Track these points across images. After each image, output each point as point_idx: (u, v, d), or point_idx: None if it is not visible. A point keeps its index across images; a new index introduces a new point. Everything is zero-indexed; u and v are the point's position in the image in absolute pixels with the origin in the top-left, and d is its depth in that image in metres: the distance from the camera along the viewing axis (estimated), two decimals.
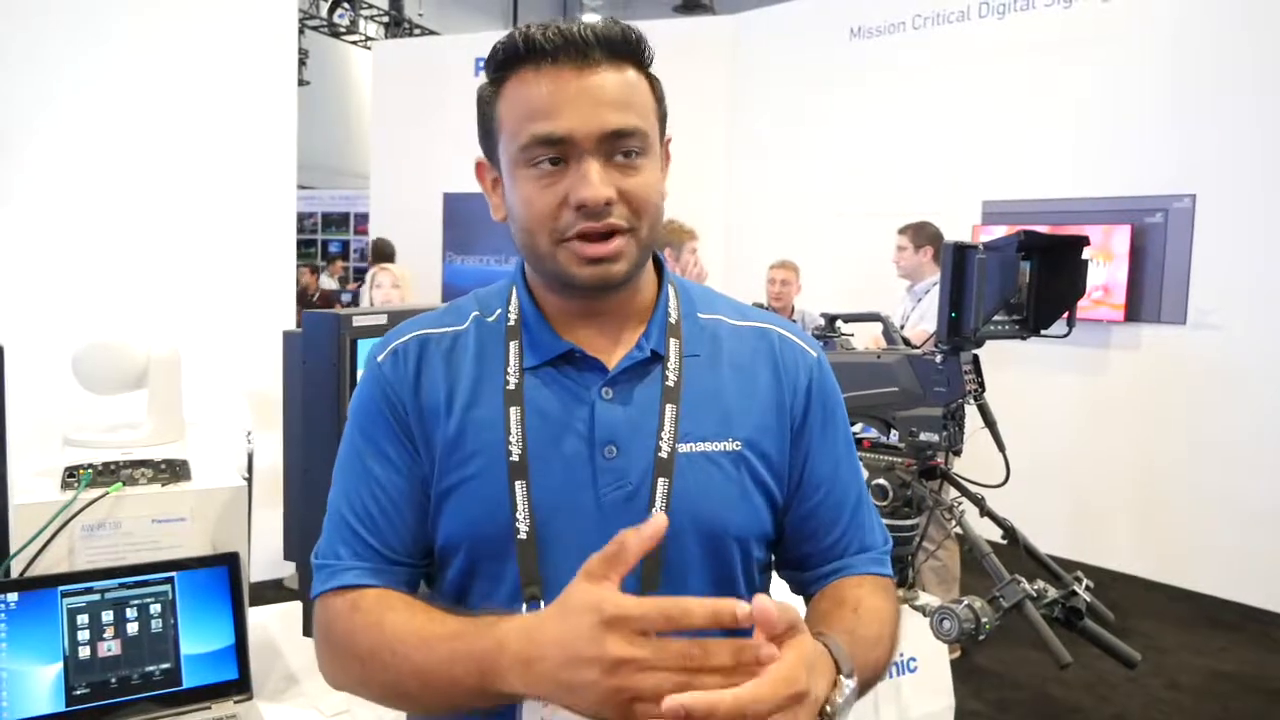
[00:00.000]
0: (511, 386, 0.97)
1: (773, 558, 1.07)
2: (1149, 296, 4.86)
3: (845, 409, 1.08)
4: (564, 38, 0.90)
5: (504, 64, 0.93)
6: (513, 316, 1.01)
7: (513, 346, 0.99)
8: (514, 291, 1.03)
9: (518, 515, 0.93)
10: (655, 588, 0.92)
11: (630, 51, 0.93)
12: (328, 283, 11.52)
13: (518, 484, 0.93)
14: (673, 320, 1.01)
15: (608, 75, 0.91)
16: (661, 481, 0.93)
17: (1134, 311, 4.90)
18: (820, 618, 0.97)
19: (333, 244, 12.36)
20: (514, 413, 0.95)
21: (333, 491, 1.03)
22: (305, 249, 11.34)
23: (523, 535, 0.93)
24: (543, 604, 0.91)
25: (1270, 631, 4.22)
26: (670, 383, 0.97)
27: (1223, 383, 4.60)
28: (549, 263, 0.94)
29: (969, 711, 3.28)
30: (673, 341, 1.00)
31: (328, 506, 1.03)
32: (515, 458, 0.94)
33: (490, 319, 1.02)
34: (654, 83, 0.97)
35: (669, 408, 0.96)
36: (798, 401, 1.02)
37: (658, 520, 0.77)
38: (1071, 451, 5.01)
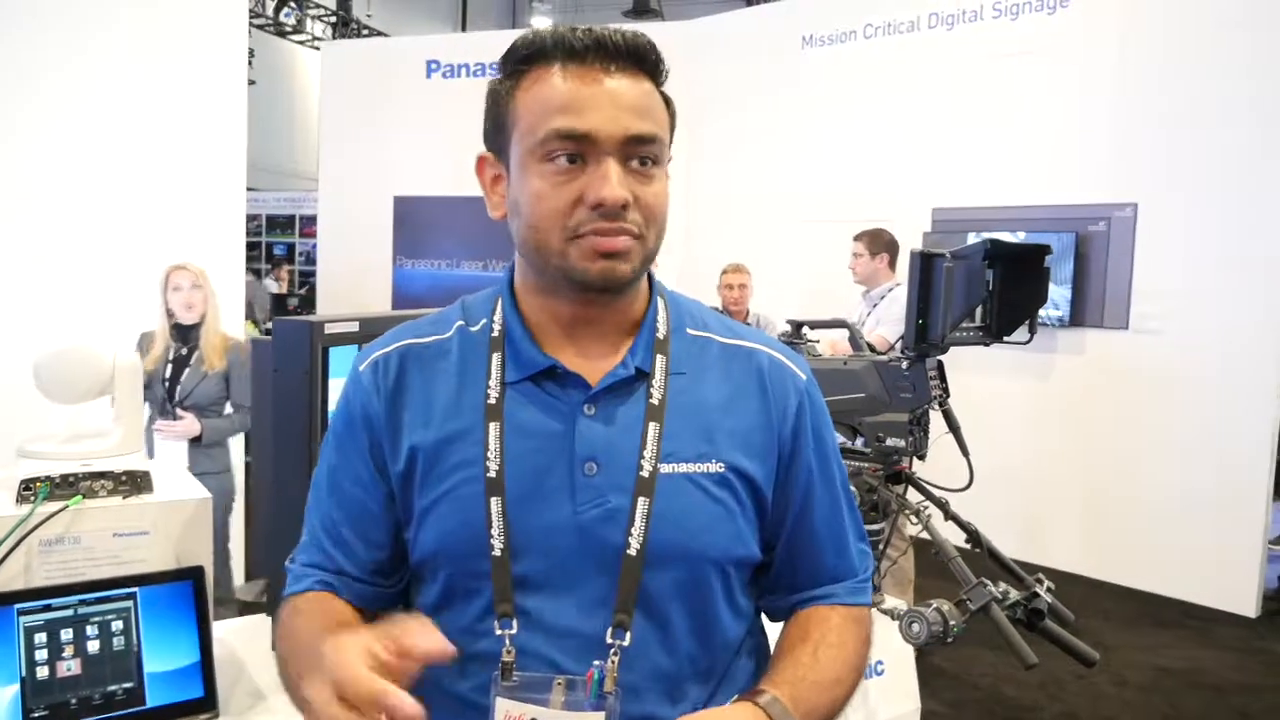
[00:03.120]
0: (492, 401, 0.95)
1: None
2: (1092, 302, 4.99)
3: (833, 429, 1.07)
4: (595, 39, 0.90)
5: (527, 59, 0.92)
6: (497, 327, 0.99)
7: (495, 359, 0.97)
8: (499, 301, 1.01)
9: (493, 532, 0.92)
10: (630, 607, 0.91)
11: (652, 64, 0.94)
12: (272, 287, 11.31)
13: (494, 500, 0.92)
14: (660, 335, 0.99)
15: (630, 82, 0.91)
16: (641, 501, 0.92)
17: (1078, 316, 5.02)
18: (781, 654, 0.98)
19: (278, 247, 12.14)
20: (493, 428, 0.94)
21: (309, 500, 1.03)
22: (250, 252, 11.11)
23: (497, 552, 0.92)
24: (515, 622, 0.91)
25: (1209, 628, 4.35)
26: (655, 400, 0.96)
27: (1163, 386, 4.74)
28: (557, 259, 0.92)
29: (925, 712, 3.31)
30: (659, 358, 0.98)
31: (305, 514, 1.03)
32: (492, 474, 0.93)
33: (474, 329, 1.00)
34: (668, 100, 0.97)
35: (652, 426, 0.94)
36: (786, 425, 1.00)
37: (445, 650, 0.76)
38: (1018, 453, 5.11)
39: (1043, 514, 5.15)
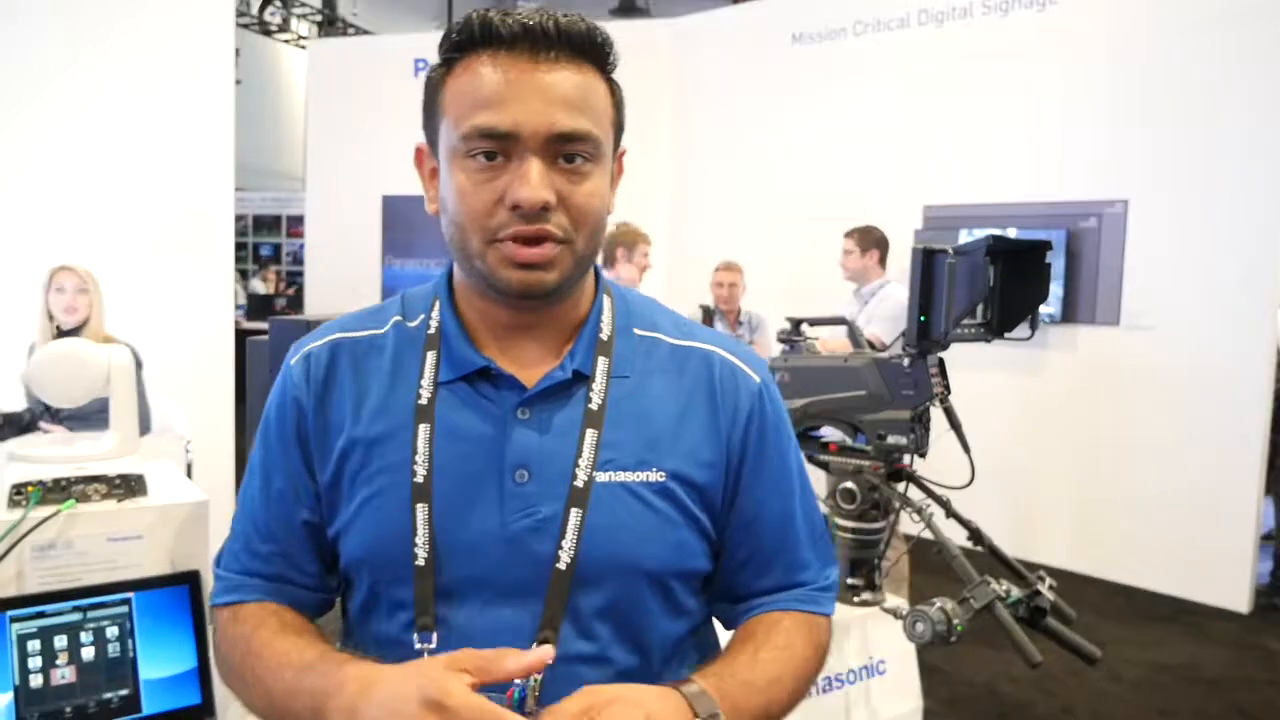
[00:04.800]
0: (423, 401, 0.91)
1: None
2: (1084, 298, 5.00)
3: (792, 435, 1.02)
4: (523, 27, 0.84)
5: (457, 46, 0.87)
6: (433, 324, 0.95)
7: (429, 357, 0.93)
8: (438, 298, 0.97)
9: (417, 540, 0.87)
10: (557, 624, 0.87)
11: (593, 51, 0.88)
12: (259, 287, 11.24)
13: (419, 507, 0.88)
14: (604, 337, 0.94)
15: (565, 73, 0.85)
16: (574, 513, 0.87)
17: (1070, 313, 5.03)
18: (721, 655, 0.93)
19: (264, 247, 12.06)
20: (423, 430, 0.90)
21: (239, 497, 1.00)
22: (236, 252, 11.05)
23: (420, 562, 0.87)
24: (435, 635, 0.87)
25: (1202, 623, 4.36)
26: (594, 405, 0.91)
27: (1154, 382, 4.75)
28: (478, 262, 0.87)
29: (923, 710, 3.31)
30: (601, 360, 0.93)
31: (235, 513, 1.00)
32: (420, 479, 0.88)
33: (412, 324, 0.96)
34: (614, 89, 0.91)
35: (589, 433, 0.89)
36: (736, 430, 0.95)
37: (543, 653, 0.75)
38: (1010, 450, 5.12)
39: (1034, 511, 5.16)
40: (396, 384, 0.93)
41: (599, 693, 0.75)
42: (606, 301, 0.97)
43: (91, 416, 2.98)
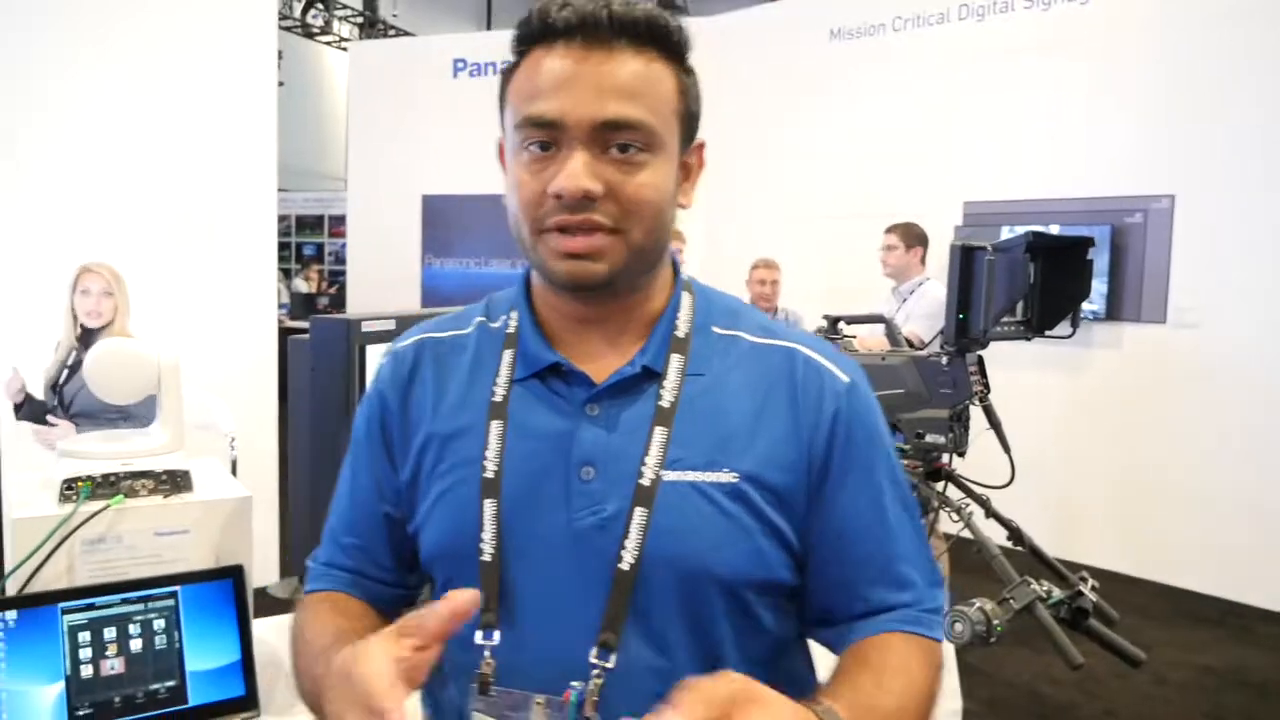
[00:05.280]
0: (498, 399, 0.91)
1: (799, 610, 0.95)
2: (1129, 296, 4.91)
3: (887, 440, 0.94)
4: (578, 16, 0.83)
5: (523, 39, 0.87)
6: (512, 324, 0.95)
7: (506, 355, 0.93)
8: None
9: (483, 535, 0.87)
10: (619, 626, 0.84)
11: (654, 37, 0.85)
12: (302, 287, 11.41)
13: (488, 502, 0.88)
14: (680, 334, 0.92)
15: (621, 60, 0.83)
16: (639, 511, 0.84)
17: (1114, 310, 4.95)
18: (839, 677, 0.86)
19: (307, 247, 12.23)
20: (495, 426, 0.90)
21: (335, 494, 1.03)
22: (279, 252, 11.21)
23: (486, 557, 0.87)
24: (497, 633, 0.87)
25: (1250, 626, 4.27)
26: (664, 403, 0.88)
27: (1201, 380, 4.65)
28: (531, 254, 0.88)
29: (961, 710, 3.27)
30: (675, 357, 0.90)
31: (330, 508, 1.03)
32: (489, 474, 0.88)
33: (494, 324, 0.97)
34: (682, 77, 0.89)
35: (659, 430, 0.87)
36: (819, 434, 0.89)
37: (466, 597, 0.71)
38: (1052, 449, 5.05)
39: (1077, 510, 5.08)
40: (475, 382, 0.93)
41: (747, 687, 0.67)
42: (686, 298, 0.94)
43: (100, 415, 3.16)
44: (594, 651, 0.84)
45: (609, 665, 0.83)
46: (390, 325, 1.38)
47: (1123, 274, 4.91)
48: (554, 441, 0.88)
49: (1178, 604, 4.53)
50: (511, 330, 0.94)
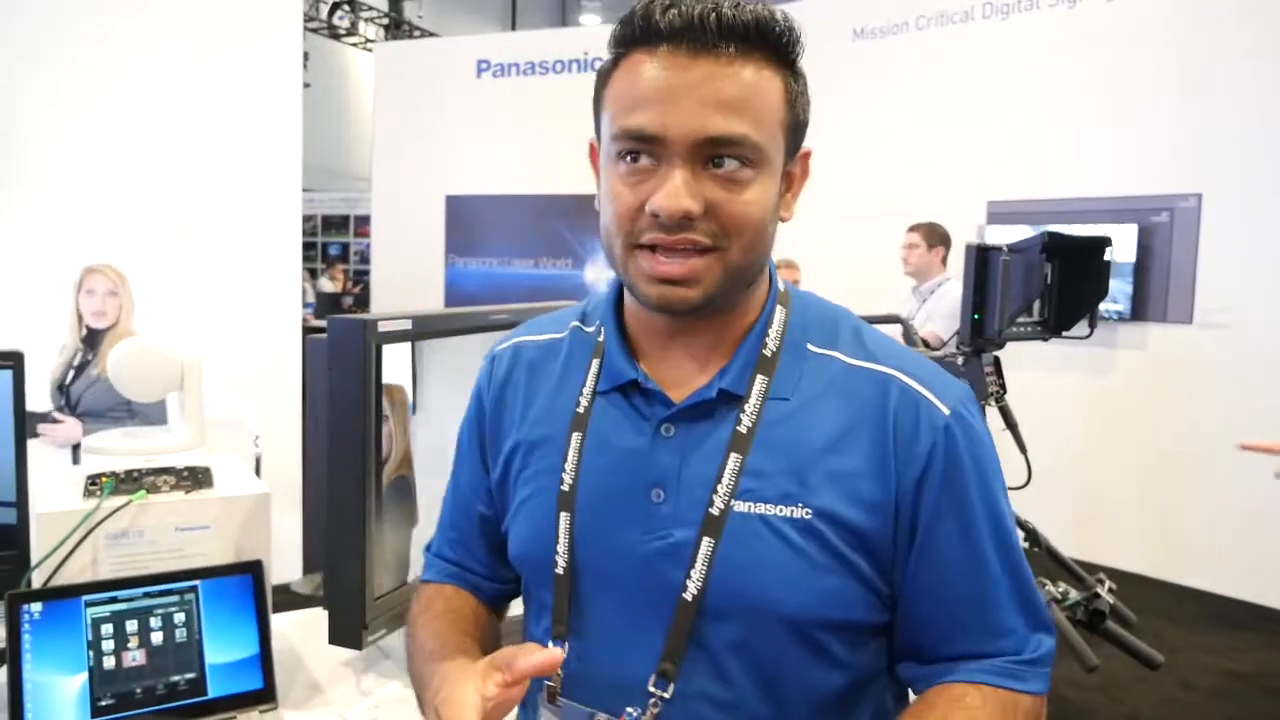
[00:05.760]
0: (581, 410, 0.90)
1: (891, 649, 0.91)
2: (1155, 295, 4.86)
3: (995, 480, 0.87)
4: (682, 19, 0.77)
5: (622, 40, 0.82)
6: (603, 332, 0.92)
7: (594, 365, 0.91)
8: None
9: (558, 548, 0.88)
10: (679, 656, 0.83)
11: (764, 41, 0.79)
12: (327, 286, 11.51)
13: (563, 515, 0.88)
14: (768, 353, 0.86)
15: (726, 70, 0.78)
16: (706, 541, 0.82)
17: (1140, 310, 4.90)
18: None
19: (332, 247, 12.34)
20: (575, 438, 0.89)
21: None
22: (305, 252, 11.32)
23: (559, 570, 0.88)
24: (567, 644, 0.88)
25: None
26: (743, 428, 0.83)
27: (1229, 381, 4.59)
28: (621, 270, 0.84)
29: None
30: (760, 379, 0.85)
31: None
32: (566, 487, 0.88)
33: (589, 330, 0.95)
34: (790, 83, 0.83)
35: (733, 457, 0.83)
36: (911, 470, 0.82)
37: (552, 654, 0.74)
38: (1078, 450, 5.01)
39: (1104, 513, 5.03)
40: (562, 390, 0.93)
41: None
42: (779, 313, 0.89)
43: (106, 414, 3.23)
44: (652, 679, 0.83)
45: (666, 695, 0.83)
46: (407, 325, 1.39)
47: (1149, 273, 4.87)
48: (628, 459, 0.86)
49: (1207, 608, 4.48)
50: (602, 338, 0.92)
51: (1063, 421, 5.03)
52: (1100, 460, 5.02)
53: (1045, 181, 5.21)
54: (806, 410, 0.85)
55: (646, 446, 0.86)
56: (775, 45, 0.81)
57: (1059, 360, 4.97)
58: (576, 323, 0.97)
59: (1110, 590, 1.78)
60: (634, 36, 0.81)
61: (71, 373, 3.32)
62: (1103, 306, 4.83)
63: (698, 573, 0.82)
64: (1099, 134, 5.00)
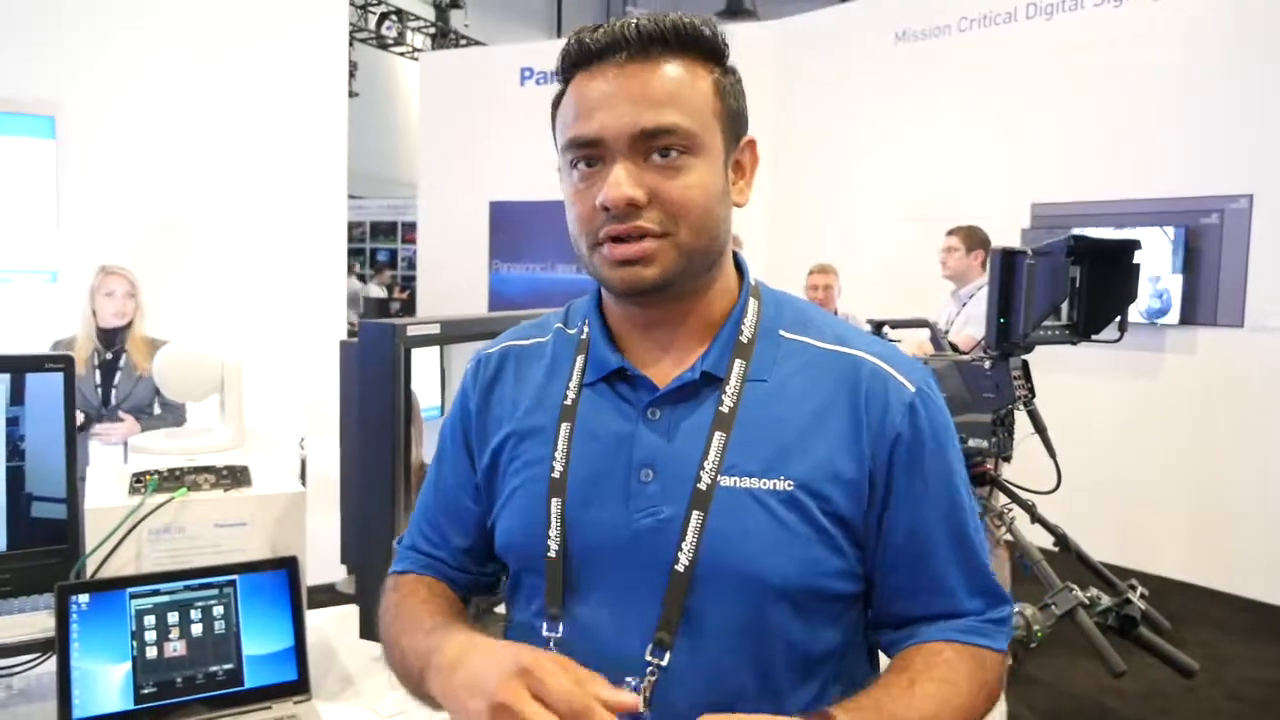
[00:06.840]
0: (568, 402, 0.96)
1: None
2: (1204, 299, 4.76)
3: (953, 451, 0.94)
4: (609, 35, 0.87)
5: (563, 68, 0.91)
6: (586, 330, 0.99)
7: (579, 361, 0.97)
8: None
9: (550, 533, 0.92)
10: (673, 627, 0.87)
11: (685, 43, 0.88)
12: (374, 291, 11.70)
13: (554, 501, 0.93)
14: (744, 338, 0.93)
15: (653, 70, 0.86)
16: (695, 515, 0.87)
17: (1189, 314, 4.80)
18: (877, 683, 0.88)
19: (380, 252, 12.55)
20: (564, 428, 0.94)
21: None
22: (353, 257, 11.52)
23: (551, 554, 0.92)
24: (561, 626, 0.92)
25: None
26: (724, 408, 0.90)
27: None
28: (589, 267, 0.92)
29: None
30: (738, 363, 0.92)
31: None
32: (556, 474, 0.93)
33: (571, 331, 1.02)
34: (720, 77, 0.90)
35: (717, 435, 0.89)
36: (881, 445, 0.89)
37: (628, 699, 0.75)
38: (1125, 456, 4.92)
39: (1149, 519, 4.94)
40: (549, 386, 0.98)
41: None
42: (752, 304, 0.96)
43: (142, 411, 3.42)
44: (649, 649, 0.87)
45: (663, 663, 0.87)
46: (434, 329, 1.44)
47: (1198, 277, 4.77)
48: (616, 443, 0.92)
49: (1260, 618, 4.37)
50: (585, 336, 0.98)
51: (1110, 427, 4.95)
52: (1149, 466, 4.93)
53: (1091, 183, 5.13)
54: (783, 390, 0.91)
55: (634, 430, 0.92)
56: (699, 45, 0.88)
57: (1107, 364, 4.89)
58: (560, 324, 1.03)
59: (1143, 596, 1.76)
60: (573, 61, 0.90)
61: (98, 373, 3.42)
62: (1148, 310, 4.78)
63: (688, 545, 0.87)
64: (1145, 135, 4.92)
